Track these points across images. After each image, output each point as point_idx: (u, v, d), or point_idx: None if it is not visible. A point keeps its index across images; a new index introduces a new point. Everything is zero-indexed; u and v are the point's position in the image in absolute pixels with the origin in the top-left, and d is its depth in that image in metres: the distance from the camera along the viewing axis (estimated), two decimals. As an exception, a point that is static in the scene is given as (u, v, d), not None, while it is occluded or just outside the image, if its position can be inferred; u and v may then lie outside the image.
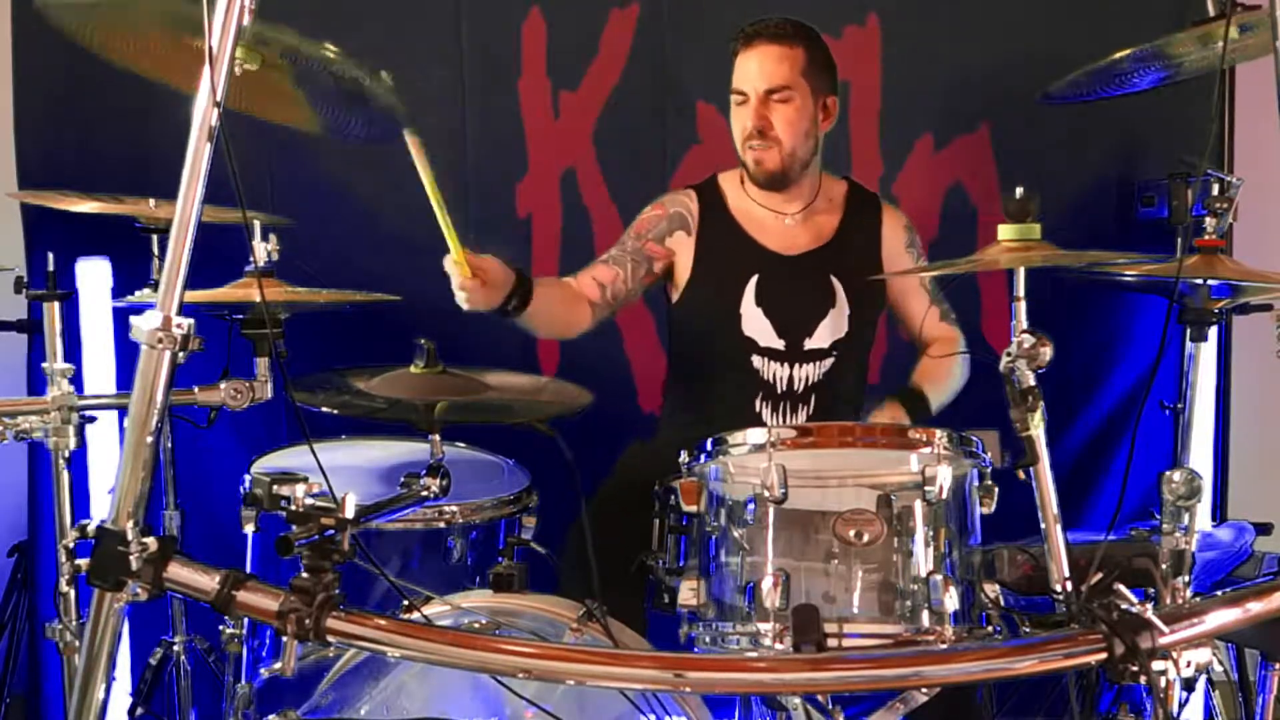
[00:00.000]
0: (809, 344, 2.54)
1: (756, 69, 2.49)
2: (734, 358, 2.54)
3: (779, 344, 2.53)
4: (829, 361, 2.54)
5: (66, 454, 2.15)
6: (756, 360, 2.54)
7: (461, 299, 2.29)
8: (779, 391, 2.53)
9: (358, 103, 1.90)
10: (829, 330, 2.54)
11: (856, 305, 2.56)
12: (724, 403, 2.56)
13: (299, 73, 1.79)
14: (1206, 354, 2.46)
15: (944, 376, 2.51)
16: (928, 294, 2.58)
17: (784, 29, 2.50)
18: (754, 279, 2.55)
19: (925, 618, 1.72)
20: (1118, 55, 2.20)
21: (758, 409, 2.53)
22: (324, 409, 2.05)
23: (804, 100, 2.50)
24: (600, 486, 2.52)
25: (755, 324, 2.54)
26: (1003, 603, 1.85)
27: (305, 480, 1.54)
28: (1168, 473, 2.00)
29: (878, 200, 2.69)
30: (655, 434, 2.75)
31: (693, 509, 1.85)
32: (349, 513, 1.47)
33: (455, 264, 2.25)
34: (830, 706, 1.80)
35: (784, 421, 2.52)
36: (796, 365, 2.53)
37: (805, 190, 2.60)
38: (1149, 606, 1.41)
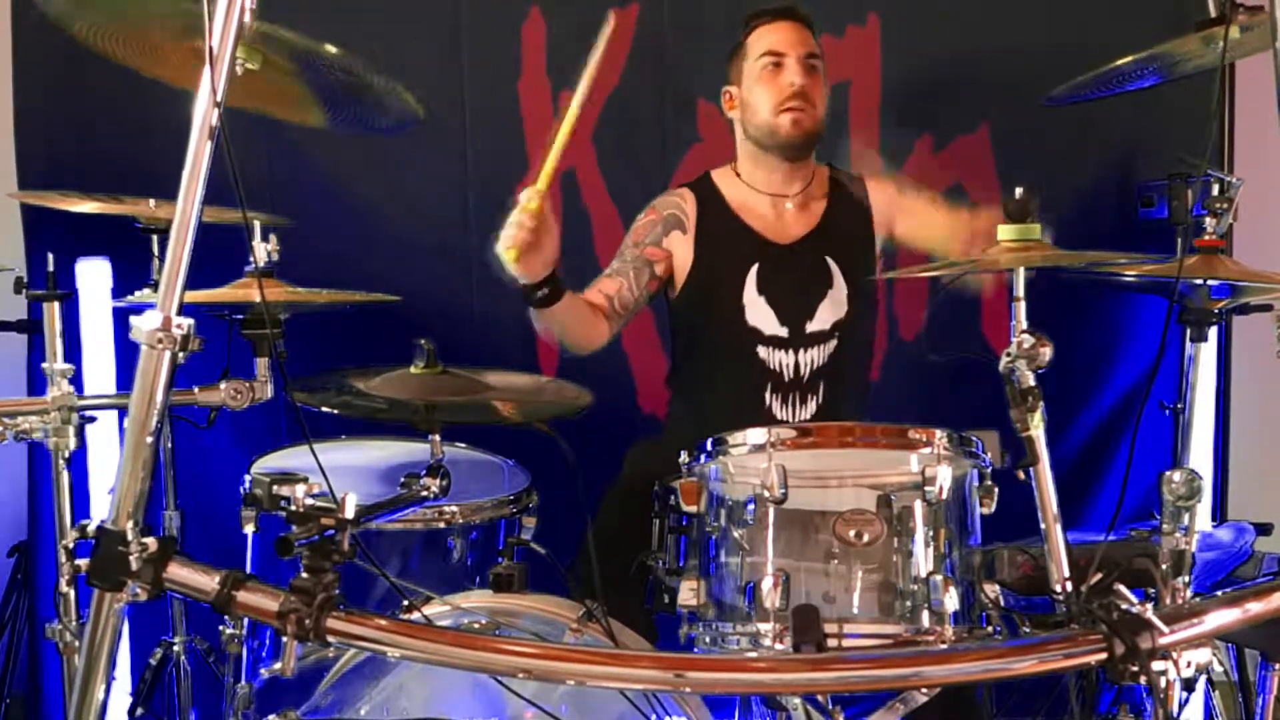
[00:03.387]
0: (810, 327, 2.55)
1: (795, 35, 2.55)
2: (739, 350, 2.55)
3: (782, 331, 2.54)
4: (832, 344, 2.55)
5: (66, 454, 2.15)
6: (762, 351, 2.54)
7: (507, 239, 2.17)
8: (786, 380, 2.54)
9: (365, 96, 1.90)
10: (828, 311, 2.56)
11: (853, 284, 2.57)
12: (732, 396, 2.57)
13: (303, 70, 1.79)
14: (1206, 354, 2.46)
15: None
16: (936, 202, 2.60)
17: (806, 17, 2.59)
18: (754, 268, 2.56)
19: (925, 618, 1.72)
20: (1119, 62, 2.19)
21: (767, 402, 2.54)
22: (324, 409, 2.06)
23: (825, 77, 2.59)
24: (609, 487, 2.52)
25: (758, 313, 2.55)
26: (1003, 603, 1.85)
27: (305, 480, 1.53)
28: (1168, 473, 2.00)
29: (860, 177, 2.72)
30: (661, 432, 2.76)
31: (693, 509, 1.86)
32: (349, 513, 1.47)
33: (536, 193, 2.15)
34: (830, 706, 1.80)
35: (794, 413, 2.53)
36: (801, 350, 2.54)
37: (806, 170, 2.64)
38: (1149, 606, 1.41)
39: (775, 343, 2.55)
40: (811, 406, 2.54)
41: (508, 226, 2.19)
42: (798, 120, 2.52)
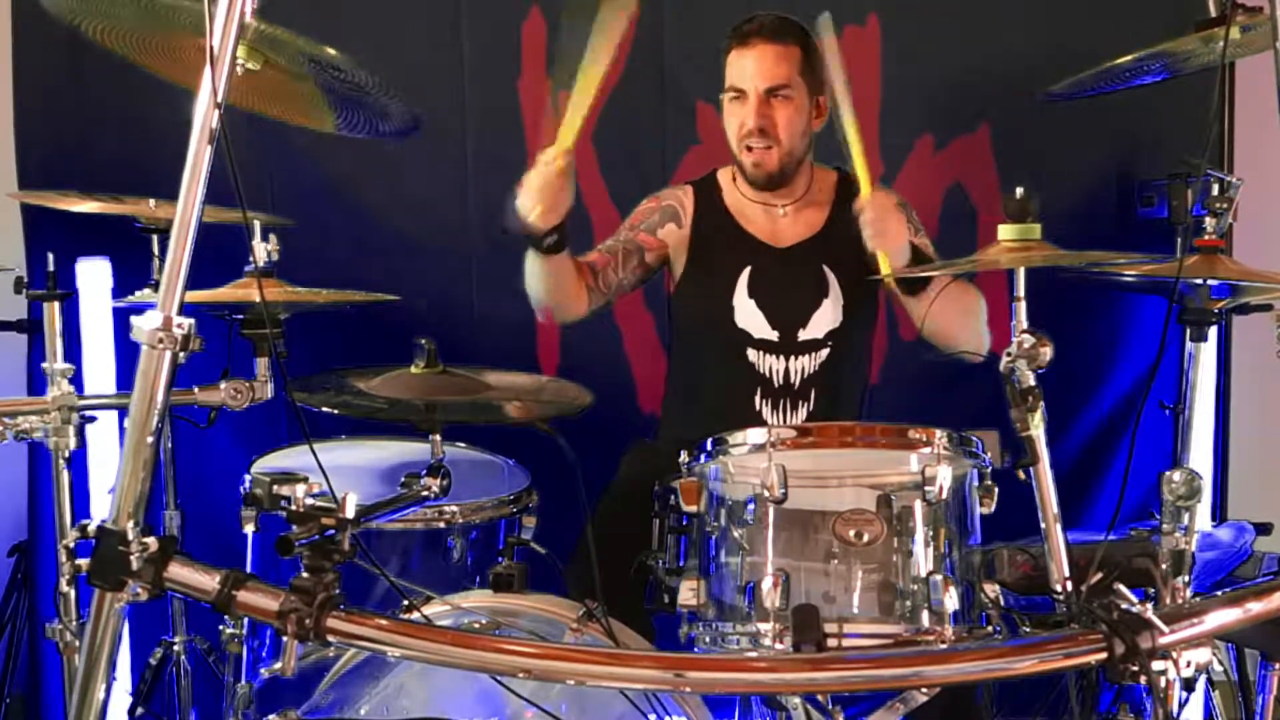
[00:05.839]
0: (803, 335, 2.54)
1: (755, 67, 2.49)
2: (729, 352, 2.55)
3: (772, 335, 2.54)
4: (824, 353, 2.54)
5: (66, 454, 2.15)
6: (752, 354, 2.54)
7: (532, 196, 2.27)
8: (776, 386, 2.53)
9: (365, 100, 1.91)
10: (823, 321, 2.54)
11: (850, 294, 2.55)
12: (722, 398, 2.56)
13: (308, 72, 1.79)
14: (1206, 354, 2.46)
15: (959, 304, 2.43)
16: (934, 260, 2.52)
17: (780, 27, 2.50)
18: (746, 270, 2.56)
19: (925, 618, 1.72)
20: (1120, 60, 2.20)
21: (757, 406, 2.53)
22: (324, 409, 2.06)
23: (801, 99, 2.51)
24: (605, 487, 2.52)
25: (748, 316, 2.54)
26: (1003, 603, 1.85)
27: (305, 480, 1.54)
28: (1168, 473, 2.00)
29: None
30: (657, 431, 2.76)
31: (693, 509, 1.85)
32: (349, 513, 1.47)
33: (562, 153, 2.26)
34: (830, 706, 1.80)
35: (784, 420, 2.52)
36: (791, 358, 2.54)
37: (798, 186, 2.62)
38: (1149, 606, 1.41)
39: (765, 346, 2.54)
40: (802, 413, 2.53)
41: (531, 183, 2.27)
42: (757, 161, 2.51)
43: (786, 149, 2.51)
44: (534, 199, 2.28)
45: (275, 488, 1.54)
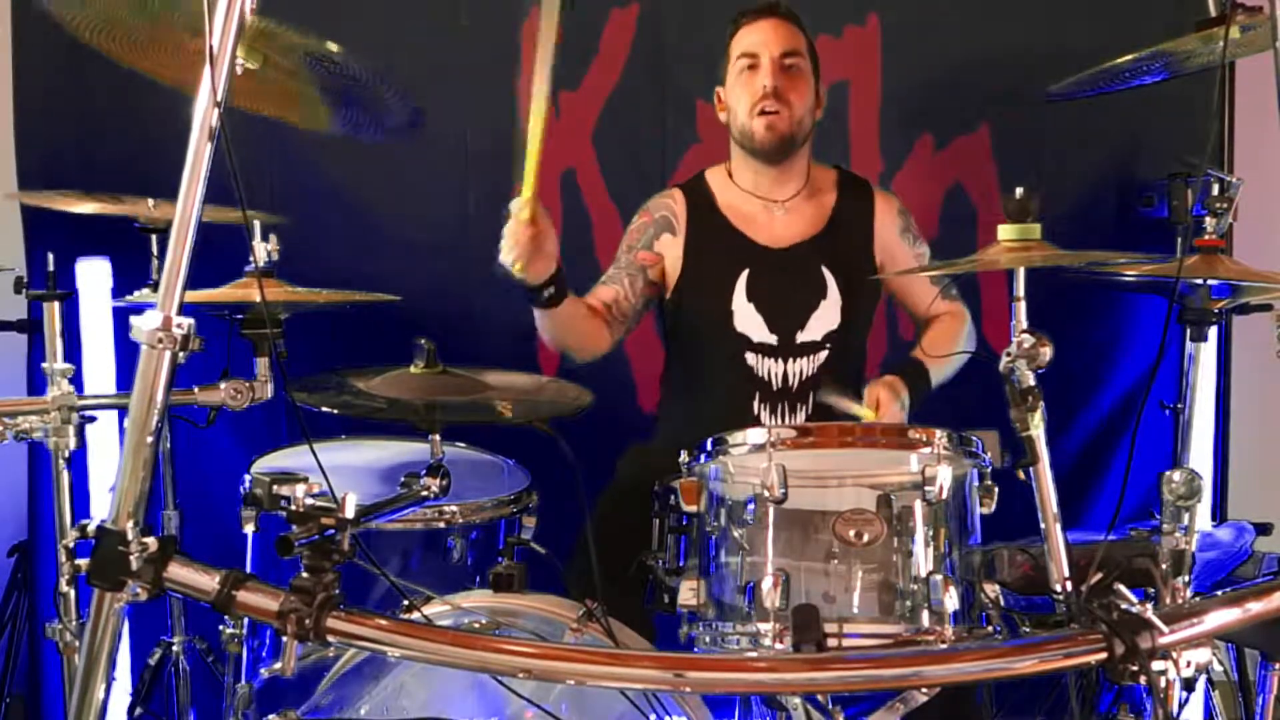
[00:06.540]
0: (801, 337, 2.53)
1: (771, 35, 2.52)
2: (727, 356, 2.54)
3: (771, 339, 2.53)
4: (823, 355, 2.54)
5: (66, 454, 2.15)
6: (750, 358, 2.53)
7: (509, 249, 2.19)
8: (774, 390, 2.53)
9: (367, 99, 1.91)
10: (821, 322, 2.54)
11: (849, 296, 2.55)
12: (720, 403, 2.55)
13: (306, 70, 1.80)
14: (1206, 354, 2.46)
15: (948, 344, 2.49)
16: (929, 278, 2.57)
17: (790, 12, 2.56)
18: (744, 274, 2.55)
19: (925, 618, 1.72)
20: (1120, 60, 2.20)
21: (755, 410, 2.52)
22: (324, 409, 2.06)
23: (809, 77, 2.55)
24: (601, 492, 2.52)
25: (747, 319, 2.53)
26: (1003, 603, 1.85)
27: (305, 480, 1.53)
28: (1168, 473, 2.00)
29: (869, 186, 2.69)
30: (654, 433, 2.75)
31: (693, 509, 1.86)
32: (349, 513, 1.47)
33: (525, 203, 2.16)
34: (830, 706, 1.81)
35: (783, 423, 2.51)
36: (790, 360, 2.53)
37: (797, 174, 2.61)
38: (1149, 606, 1.41)
39: (764, 350, 2.53)
40: (800, 417, 2.52)
41: (506, 238, 2.21)
42: (771, 124, 2.50)
43: (797, 117, 2.52)
44: (511, 253, 2.21)
45: (275, 488, 1.54)
